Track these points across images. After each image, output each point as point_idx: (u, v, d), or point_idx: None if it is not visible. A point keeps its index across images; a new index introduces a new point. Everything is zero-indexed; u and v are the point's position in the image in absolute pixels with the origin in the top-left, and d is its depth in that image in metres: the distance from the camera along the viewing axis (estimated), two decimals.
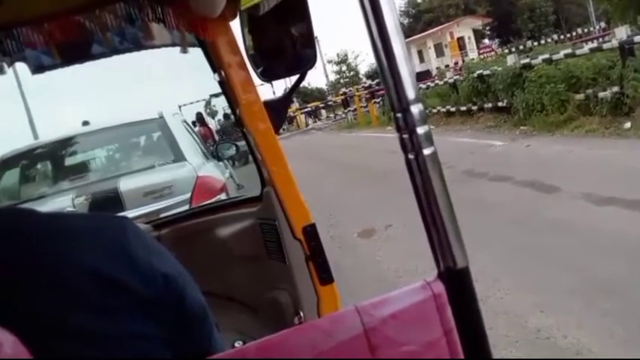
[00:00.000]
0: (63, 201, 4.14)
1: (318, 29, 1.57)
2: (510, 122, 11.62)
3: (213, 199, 4.04)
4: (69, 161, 5.15)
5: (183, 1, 1.40)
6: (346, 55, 40.93)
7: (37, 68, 1.59)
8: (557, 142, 8.92)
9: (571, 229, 4.70)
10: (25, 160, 5.07)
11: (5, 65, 1.52)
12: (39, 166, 5.29)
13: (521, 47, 19.46)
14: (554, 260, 4.14)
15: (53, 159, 5.16)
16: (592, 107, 9.39)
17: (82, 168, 5.06)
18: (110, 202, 4.10)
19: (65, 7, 1.41)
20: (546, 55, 10.81)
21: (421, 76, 24.29)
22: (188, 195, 4.22)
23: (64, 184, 4.71)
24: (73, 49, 1.54)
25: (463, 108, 14.08)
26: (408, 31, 39.73)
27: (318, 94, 40.50)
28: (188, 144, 4.97)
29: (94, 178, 4.79)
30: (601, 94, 9.11)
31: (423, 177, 0.72)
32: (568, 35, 24.82)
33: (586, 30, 26.56)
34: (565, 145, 8.48)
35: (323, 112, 32.20)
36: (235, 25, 1.56)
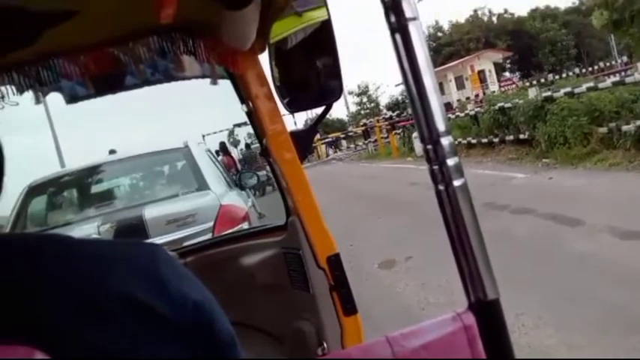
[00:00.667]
0: (88, 228, 4.19)
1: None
2: (532, 155, 11.53)
3: (235, 228, 4.06)
4: (95, 189, 5.24)
5: (215, 34, 1.44)
6: (367, 86, 41.25)
7: (72, 98, 1.63)
8: (580, 175, 8.81)
9: (595, 263, 4.60)
10: (53, 187, 5.16)
11: (41, 95, 1.57)
12: (66, 193, 5.38)
13: (542, 80, 19.44)
14: (579, 295, 4.04)
15: (80, 187, 5.25)
16: (615, 141, 9.29)
17: (108, 196, 5.14)
18: (134, 229, 4.14)
19: (101, 39, 1.47)
20: (568, 89, 10.77)
21: None
22: (211, 223, 4.24)
23: (90, 211, 4.78)
24: (106, 80, 1.59)
25: (484, 140, 14.03)
26: None
27: (338, 125, 40.77)
28: (212, 173, 5.02)
29: (119, 205, 4.86)
30: (624, 128, 9.02)
31: (453, 208, 0.72)
32: (590, 69, 24.75)
33: (608, 64, 26.47)
34: (588, 178, 8.36)
35: (344, 142, 32.34)
36: (263, 57, 1.60)
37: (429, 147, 0.74)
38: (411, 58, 0.73)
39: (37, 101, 1.53)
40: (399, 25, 0.72)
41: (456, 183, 0.73)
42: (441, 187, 0.73)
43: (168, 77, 1.66)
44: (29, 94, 1.50)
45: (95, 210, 4.75)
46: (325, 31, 1.53)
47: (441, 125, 0.73)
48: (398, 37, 0.73)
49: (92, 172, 5.22)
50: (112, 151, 5.75)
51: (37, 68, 1.47)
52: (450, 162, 0.73)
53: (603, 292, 3.97)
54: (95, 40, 1.46)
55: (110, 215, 4.50)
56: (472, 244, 0.72)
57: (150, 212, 4.33)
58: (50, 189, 5.13)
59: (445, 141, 0.73)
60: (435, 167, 0.74)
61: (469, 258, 0.72)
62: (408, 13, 0.72)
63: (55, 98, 1.68)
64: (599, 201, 6.80)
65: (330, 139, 31.08)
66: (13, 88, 1.46)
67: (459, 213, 0.72)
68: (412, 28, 0.72)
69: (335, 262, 1.53)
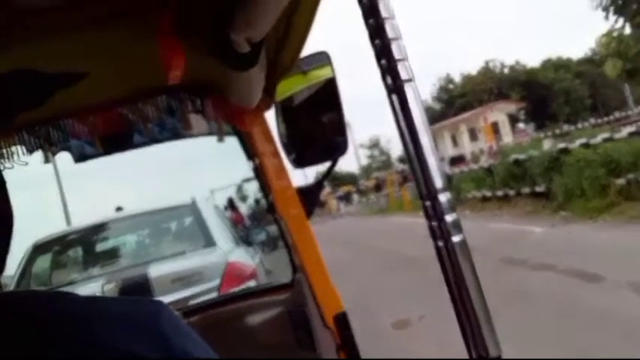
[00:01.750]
0: (92, 287, 4.17)
1: (349, 114, 1.62)
2: (549, 207, 11.40)
3: (242, 286, 4.01)
4: (100, 247, 5.24)
5: (222, 93, 1.47)
6: (378, 139, 41.66)
7: (80, 157, 1.66)
8: (600, 229, 8.66)
9: (617, 320, 4.46)
10: (58, 245, 5.17)
11: (51, 154, 1.59)
12: (70, 252, 5.38)
13: (557, 131, 19.49)
14: (600, 354, 3.89)
15: (85, 245, 5.25)
16: (634, 192, 9.17)
17: (113, 254, 5.13)
18: (139, 288, 4.11)
19: (110, 99, 1.50)
20: (584, 140, 10.76)
21: (455, 161, 24.40)
22: (217, 282, 4.20)
23: (95, 270, 4.78)
24: (115, 139, 1.62)
25: (499, 193, 13.95)
26: (440, 116, 40.44)
27: (349, 179, 40.94)
28: (219, 229, 5.01)
29: (124, 264, 4.85)
30: None
31: (452, 264, 0.73)
32: (605, 119, 24.77)
33: (624, 113, 26.49)
34: (608, 232, 8.22)
35: (355, 196, 32.37)
36: (269, 113, 1.63)
37: (427, 203, 0.75)
38: (407, 117, 0.74)
39: (47, 160, 1.55)
40: (395, 87, 0.74)
41: (455, 239, 0.73)
42: (440, 244, 0.73)
43: (176, 135, 1.69)
44: (38, 153, 1.53)
45: (100, 269, 4.75)
46: (330, 88, 1.56)
47: (438, 182, 0.74)
48: (395, 97, 0.75)
49: (98, 230, 5.23)
50: (118, 208, 5.79)
51: (48, 128, 1.50)
52: (449, 218, 0.74)
53: (626, 351, 3.82)
54: (105, 101, 1.49)
55: (115, 274, 4.48)
56: (472, 300, 0.72)
57: (155, 270, 4.31)
58: (55, 247, 5.14)
59: (443, 197, 0.74)
60: (434, 223, 0.74)
61: (470, 314, 0.72)
62: (403, 75, 0.74)
63: (63, 156, 1.70)
64: (619, 255, 6.64)
65: (340, 193, 31.15)
66: (24, 148, 1.48)
67: (459, 269, 0.72)
68: (408, 89, 0.74)
69: (342, 320, 1.49)
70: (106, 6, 1.07)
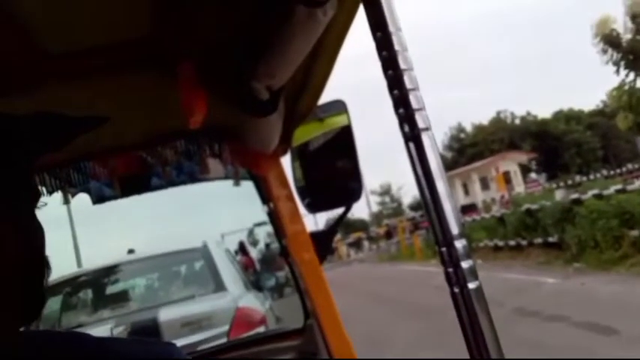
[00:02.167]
0: (102, 330, 4.13)
1: (361, 160, 1.64)
2: (562, 258, 11.23)
3: (252, 332, 3.96)
4: (110, 290, 5.21)
5: (239, 138, 1.50)
6: (389, 186, 41.65)
7: (99, 199, 1.68)
8: (614, 281, 8.50)
9: None
10: (68, 287, 5.15)
11: (70, 196, 1.62)
12: (81, 294, 5.35)
13: (569, 182, 19.41)
14: None
15: (95, 287, 5.23)
16: None
17: (123, 297, 5.10)
18: (149, 332, 4.06)
19: (130, 142, 1.54)
20: (596, 191, 10.71)
21: (466, 209, 24.26)
22: (227, 327, 4.15)
23: (105, 312, 4.74)
24: (133, 181, 1.65)
25: (512, 242, 13.80)
26: (451, 164, 40.52)
27: (360, 225, 40.74)
28: (229, 274, 4.98)
29: (134, 307, 4.81)
30: None
31: (468, 311, 0.72)
32: (618, 170, 24.64)
33: (636, 165, 26.33)
34: (622, 285, 8.06)
35: (365, 243, 32.13)
36: (285, 158, 1.65)
37: (444, 249, 0.75)
38: (424, 164, 0.76)
39: (66, 202, 1.58)
40: (412, 135, 0.76)
41: (471, 285, 0.73)
42: (456, 290, 0.73)
43: (193, 178, 1.71)
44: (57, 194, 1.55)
45: (110, 311, 4.71)
46: (346, 135, 1.59)
47: (454, 228, 0.74)
48: (412, 145, 0.76)
49: (109, 272, 5.21)
50: (130, 251, 5.79)
51: (68, 170, 1.53)
52: (465, 265, 0.74)
53: None
54: (124, 144, 1.53)
55: (125, 317, 4.45)
56: (489, 348, 0.71)
57: (165, 314, 4.27)
58: (66, 289, 5.12)
59: (459, 244, 0.74)
60: (450, 270, 0.74)
61: None
62: (420, 124, 0.75)
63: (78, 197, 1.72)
64: (634, 309, 6.50)
65: (351, 240, 30.95)
66: (44, 189, 1.51)
67: (475, 316, 0.72)
68: (425, 137, 0.75)
69: None
70: (131, 52, 1.11)
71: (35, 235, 0.70)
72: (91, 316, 4.78)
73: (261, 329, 4.16)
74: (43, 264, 0.71)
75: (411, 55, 0.75)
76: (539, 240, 12.48)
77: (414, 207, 36.22)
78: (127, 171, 1.57)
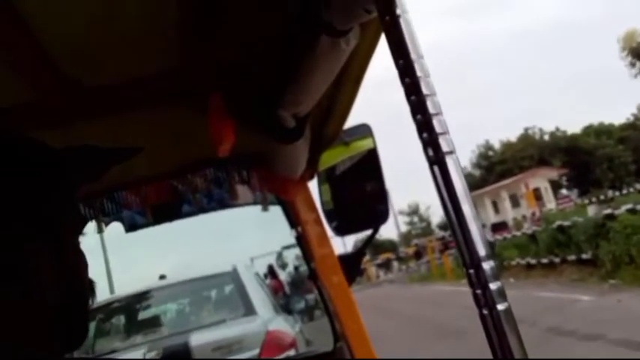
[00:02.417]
0: (134, 356, 4.18)
1: (388, 180, 1.66)
2: (597, 275, 10.96)
3: (282, 355, 3.95)
4: (142, 315, 5.27)
5: (267, 165, 1.53)
6: (417, 206, 41.30)
7: (131, 227, 1.73)
8: None
9: None
10: (101, 314, 5.23)
11: (103, 224, 1.67)
12: (114, 320, 5.42)
13: (601, 197, 18.99)
14: None
15: (128, 313, 5.30)
16: None
17: (155, 322, 5.15)
18: (180, 357, 4.09)
19: (161, 172, 1.58)
20: (630, 205, 10.47)
21: (497, 228, 23.89)
22: (257, 350, 4.15)
23: (137, 338, 4.78)
24: (164, 209, 1.69)
25: (544, 260, 13.52)
26: (480, 183, 40.03)
27: (389, 246, 40.40)
28: (259, 297, 4.99)
29: (166, 332, 4.85)
30: None
31: (498, 333, 0.72)
32: None
33: None
34: None
35: (395, 264, 31.81)
36: (312, 182, 1.68)
37: (471, 271, 0.75)
38: (449, 187, 0.76)
39: (100, 231, 1.63)
40: (437, 159, 0.77)
41: (500, 307, 0.72)
42: (485, 312, 0.73)
43: (223, 205, 1.75)
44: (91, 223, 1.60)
45: (142, 337, 4.75)
46: (371, 159, 1.60)
47: (481, 250, 0.74)
48: (436, 169, 0.77)
49: (141, 298, 5.28)
50: (162, 277, 5.86)
51: (102, 200, 1.58)
52: (493, 286, 0.73)
53: None
54: (156, 173, 1.57)
55: (157, 342, 4.48)
56: None
57: (196, 339, 4.30)
58: (99, 316, 5.19)
59: (486, 265, 0.74)
60: (478, 291, 0.74)
61: None
62: (445, 148, 0.76)
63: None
64: None
65: (380, 261, 30.69)
66: None
67: (504, 338, 0.72)
68: (449, 160, 0.76)
69: None
70: (161, 84, 1.16)
71: (79, 264, 0.71)
72: (123, 341, 4.84)
73: (291, 352, 4.15)
74: (86, 293, 0.72)
75: (439, 71, 0.77)
76: (572, 257, 12.21)
77: (442, 226, 35.81)
78: (159, 199, 1.62)
